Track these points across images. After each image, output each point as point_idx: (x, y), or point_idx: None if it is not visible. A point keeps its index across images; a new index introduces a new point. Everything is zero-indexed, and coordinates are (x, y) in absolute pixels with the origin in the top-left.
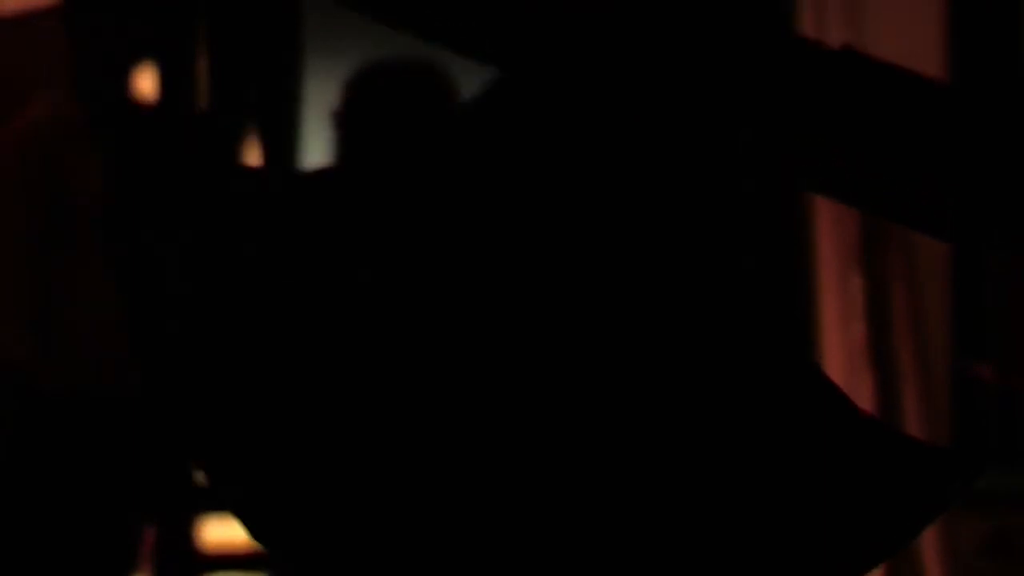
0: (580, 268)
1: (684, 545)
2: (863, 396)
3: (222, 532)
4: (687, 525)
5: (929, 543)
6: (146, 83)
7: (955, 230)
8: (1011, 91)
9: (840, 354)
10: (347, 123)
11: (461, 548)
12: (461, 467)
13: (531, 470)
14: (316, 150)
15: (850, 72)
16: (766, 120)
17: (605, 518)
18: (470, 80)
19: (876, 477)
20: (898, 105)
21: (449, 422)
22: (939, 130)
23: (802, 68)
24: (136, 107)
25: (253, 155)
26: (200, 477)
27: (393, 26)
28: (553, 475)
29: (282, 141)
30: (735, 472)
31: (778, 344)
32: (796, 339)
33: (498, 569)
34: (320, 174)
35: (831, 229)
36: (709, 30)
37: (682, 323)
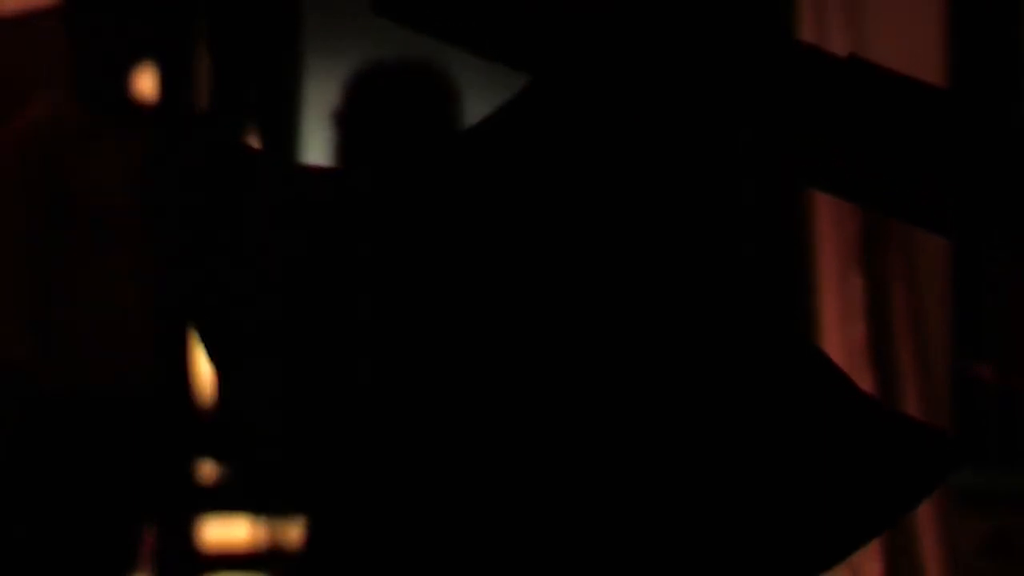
0: (582, 268)
1: (682, 517)
2: None
3: (222, 532)
4: (685, 499)
5: (929, 543)
6: (146, 83)
7: (956, 229)
8: (1010, 95)
9: (840, 354)
10: (347, 123)
11: (460, 546)
12: (460, 464)
13: (531, 465)
14: (316, 150)
15: (855, 78)
16: (770, 123)
17: (606, 494)
18: (469, 80)
19: (870, 452)
20: (901, 109)
21: (450, 419)
22: (940, 133)
23: (807, 74)
24: (138, 107)
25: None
26: (200, 477)
27: (430, 35)
28: (555, 465)
29: (282, 141)
30: (733, 450)
31: (774, 327)
32: (792, 325)
33: (499, 566)
34: (345, 175)
35: (831, 229)
36: (714, 36)
37: (681, 318)
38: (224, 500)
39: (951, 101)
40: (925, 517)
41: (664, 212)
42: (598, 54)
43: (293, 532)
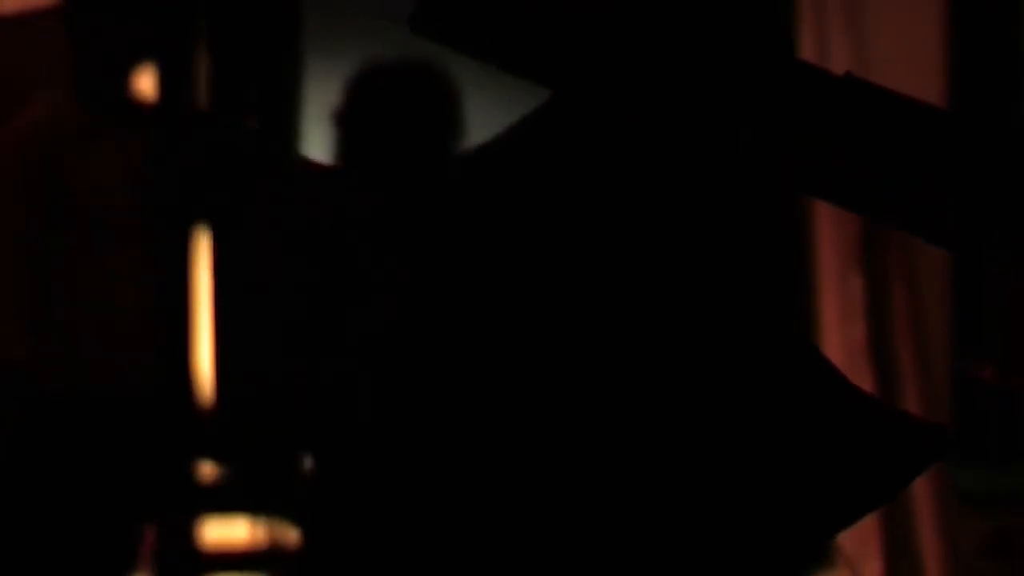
0: (590, 270)
1: (689, 505)
2: None
3: (222, 532)
4: (694, 487)
5: (929, 543)
6: (146, 83)
7: (955, 234)
8: (1010, 95)
9: (840, 354)
10: (347, 123)
11: (461, 546)
12: (462, 465)
13: (535, 465)
14: (316, 150)
15: (851, 95)
16: (771, 135)
17: (621, 482)
18: (469, 80)
19: (861, 439)
20: (895, 123)
21: (452, 421)
22: (931, 144)
23: (807, 92)
24: (138, 107)
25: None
26: (200, 477)
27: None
28: (560, 463)
29: (282, 141)
30: (737, 440)
31: (775, 330)
32: (793, 326)
33: (500, 566)
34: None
35: (831, 229)
36: (725, 58)
37: (687, 320)
38: (224, 500)
39: (942, 118)
40: (925, 517)
41: (671, 220)
42: (618, 74)
43: (293, 532)
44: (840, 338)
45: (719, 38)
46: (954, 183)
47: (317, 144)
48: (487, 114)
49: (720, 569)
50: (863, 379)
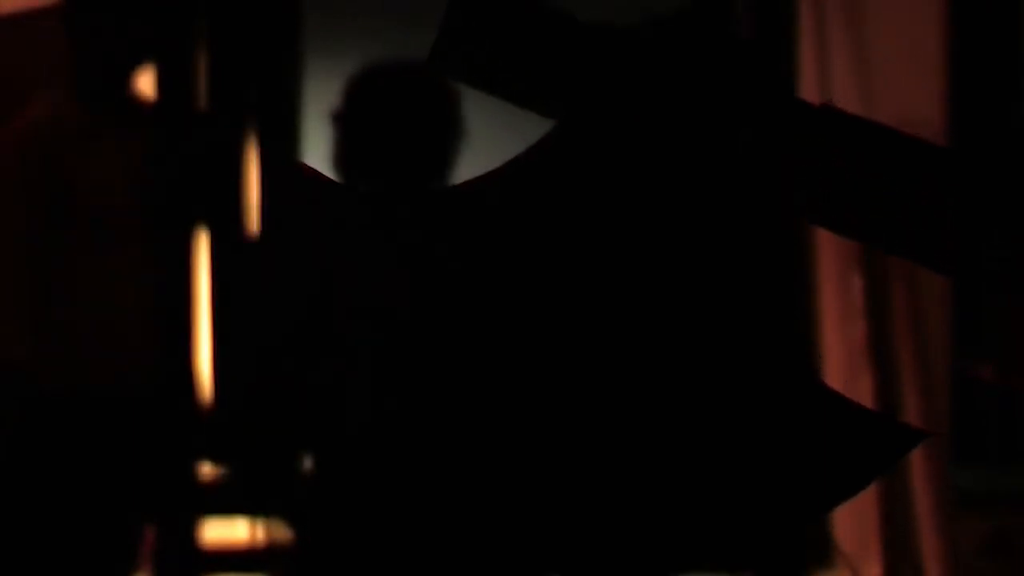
0: (590, 273)
1: (676, 498)
2: (863, 396)
3: (222, 532)
4: (683, 480)
5: (929, 543)
6: (146, 83)
7: (949, 261)
8: (1010, 95)
9: (840, 354)
10: (347, 123)
11: (468, 540)
12: (469, 463)
13: (535, 466)
14: (316, 150)
15: (828, 125)
16: (766, 155)
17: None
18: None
19: (837, 441)
20: (875, 154)
21: (458, 419)
22: (917, 175)
23: (789, 123)
24: (138, 107)
25: (253, 155)
26: (200, 477)
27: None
28: (560, 464)
29: (282, 141)
30: (725, 445)
31: (773, 342)
32: (790, 334)
33: (500, 563)
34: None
35: None
36: (723, 91)
37: (686, 316)
38: (224, 500)
39: (925, 150)
40: (925, 517)
41: (672, 222)
42: (621, 106)
43: (293, 532)
44: (840, 338)
45: (720, 76)
46: (943, 212)
47: (317, 144)
48: (487, 115)
49: (705, 553)
50: (863, 379)
